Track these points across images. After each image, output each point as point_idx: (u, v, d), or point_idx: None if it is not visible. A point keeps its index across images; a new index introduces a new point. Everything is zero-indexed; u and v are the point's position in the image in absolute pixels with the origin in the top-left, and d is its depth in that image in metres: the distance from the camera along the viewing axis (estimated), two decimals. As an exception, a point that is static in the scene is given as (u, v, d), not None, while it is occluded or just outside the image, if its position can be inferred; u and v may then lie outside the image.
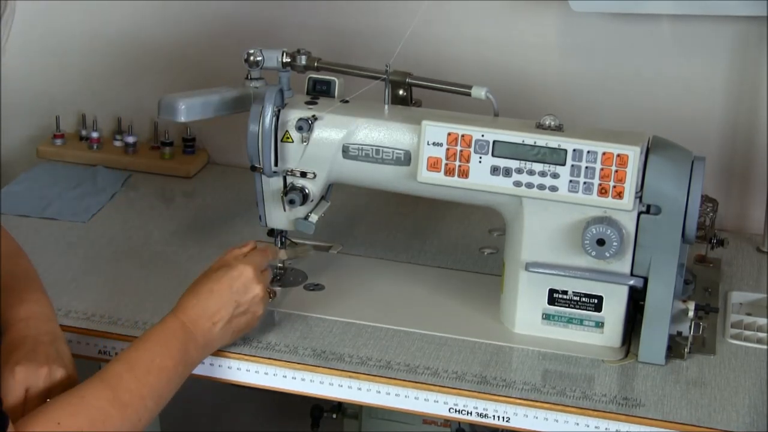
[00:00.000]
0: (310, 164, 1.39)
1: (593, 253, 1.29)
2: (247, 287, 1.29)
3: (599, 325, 1.34)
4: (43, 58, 1.92)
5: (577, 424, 1.23)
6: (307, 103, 1.40)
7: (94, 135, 1.90)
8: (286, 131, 1.38)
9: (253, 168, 1.40)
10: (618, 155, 1.26)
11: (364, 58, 1.49)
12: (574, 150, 1.27)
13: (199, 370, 1.32)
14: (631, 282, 1.31)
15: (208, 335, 1.25)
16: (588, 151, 1.27)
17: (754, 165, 1.68)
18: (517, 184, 1.30)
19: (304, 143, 1.38)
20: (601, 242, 1.28)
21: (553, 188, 1.29)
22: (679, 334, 1.34)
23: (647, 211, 1.29)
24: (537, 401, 1.24)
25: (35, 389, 1.14)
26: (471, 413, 1.26)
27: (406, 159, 1.35)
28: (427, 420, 1.81)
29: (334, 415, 1.93)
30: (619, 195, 1.27)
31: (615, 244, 1.27)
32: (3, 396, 1.10)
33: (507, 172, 1.30)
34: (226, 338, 1.28)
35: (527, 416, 1.25)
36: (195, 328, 1.23)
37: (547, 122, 1.31)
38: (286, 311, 1.42)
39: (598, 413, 1.23)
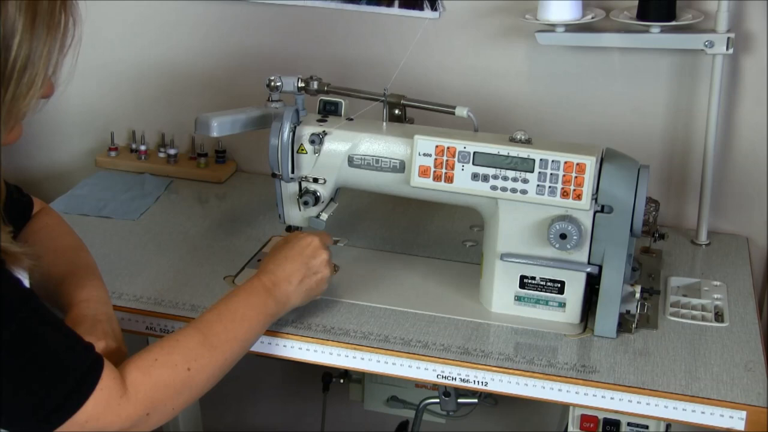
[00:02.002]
0: (321, 171, 1.39)
1: (557, 246, 1.28)
2: (315, 253, 1.28)
3: (562, 305, 1.34)
4: (99, 84, 1.92)
5: (543, 387, 1.23)
6: (319, 120, 1.39)
7: (142, 148, 1.89)
8: (301, 144, 1.38)
9: (274, 175, 1.39)
10: (577, 164, 1.25)
11: (365, 84, 1.48)
12: (540, 159, 1.26)
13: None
14: (588, 269, 1.30)
15: (285, 292, 1.24)
16: (552, 161, 1.26)
17: (689, 172, 1.67)
18: (494, 188, 1.29)
19: (316, 154, 1.37)
20: (563, 236, 1.27)
21: (524, 191, 1.28)
22: (628, 312, 1.33)
23: (602, 211, 1.28)
24: (510, 369, 1.24)
25: None
26: (455, 379, 1.26)
27: (401, 167, 1.35)
28: (419, 384, 1.81)
29: (342, 381, 1.93)
30: (579, 197, 1.26)
31: (575, 238, 1.27)
32: None
33: (485, 178, 1.29)
34: (300, 296, 1.27)
35: (502, 381, 1.24)
36: (274, 286, 1.23)
37: (518, 136, 1.30)
38: (302, 294, 1.41)
39: (561, 378, 1.22)
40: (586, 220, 1.28)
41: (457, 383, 1.26)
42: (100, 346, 1.13)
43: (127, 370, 1.04)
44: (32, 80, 0.96)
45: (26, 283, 1.05)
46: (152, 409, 1.04)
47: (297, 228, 1.46)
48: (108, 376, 1.00)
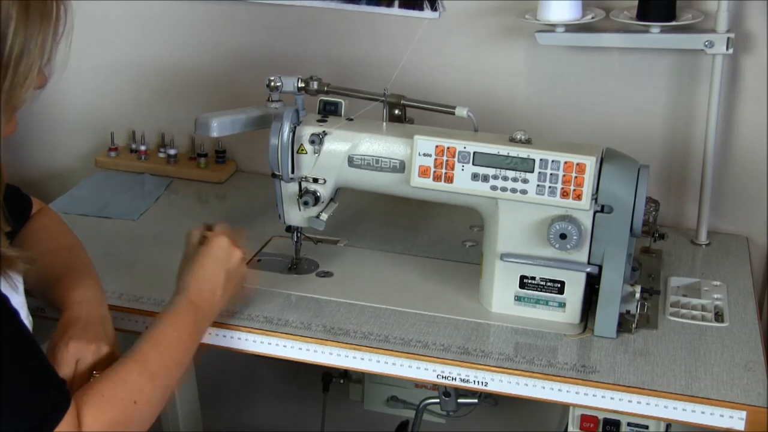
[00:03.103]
0: (321, 172, 1.39)
1: (557, 246, 1.28)
2: (228, 254, 1.27)
3: (562, 305, 1.34)
4: (100, 84, 1.92)
5: (543, 387, 1.23)
6: (319, 121, 1.39)
7: (142, 148, 1.89)
8: (301, 144, 1.37)
9: (274, 175, 1.39)
10: (577, 164, 1.25)
11: (365, 84, 1.48)
12: (540, 159, 1.26)
13: (231, 344, 1.32)
14: (588, 269, 1.30)
15: (211, 303, 1.24)
16: (552, 161, 1.26)
17: (689, 172, 1.67)
18: (494, 188, 1.29)
19: (316, 154, 1.37)
20: (563, 236, 1.27)
21: (524, 191, 1.28)
22: (628, 312, 1.33)
23: (601, 211, 1.28)
24: (510, 369, 1.23)
25: (84, 362, 1.13)
26: (455, 379, 1.25)
27: (401, 167, 1.35)
28: (419, 384, 1.81)
29: (342, 381, 1.93)
30: (578, 197, 1.26)
31: (575, 238, 1.27)
32: (57, 365, 1.10)
33: (485, 178, 1.29)
34: (226, 301, 1.27)
35: (502, 381, 1.24)
36: (200, 300, 1.22)
37: (518, 136, 1.30)
38: (301, 294, 1.41)
39: (561, 378, 1.22)
40: (586, 220, 1.28)
41: (457, 383, 1.25)
42: (90, 349, 1.14)
43: (80, 405, 1.02)
44: (29, 69, 0.95)
45: (20, 287, 1.04)
46: None
47: (297, 228, 1.46)
48: (69, 417, 0.99)
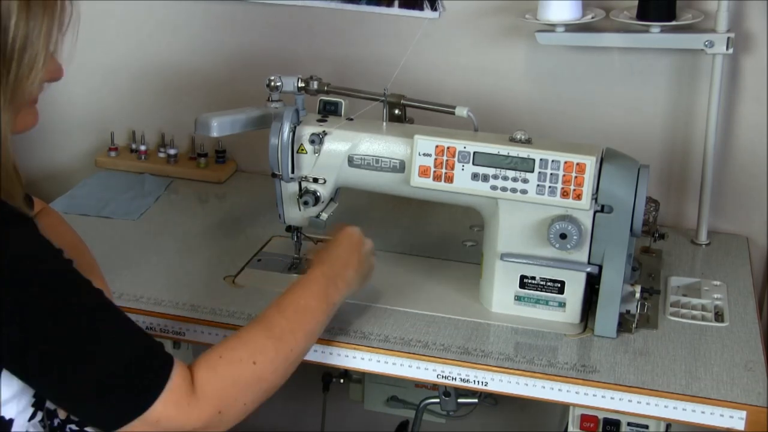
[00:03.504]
0: (321, 171, 1.39)
1: (557, 245, 1.28)
2: (362, 240, 1.30)
3: (562, 305, 1.34)
4: (100, 84, 1.92)
5: (543, 387, 1.23)
6: (319, 120, 1.39)
7: (142, 148, 1.89)
8: (301, 144, 1.37)
9: (274, 175, 1.39)
10: (577, 164, 1.25)
11: (365, 83, 1.48)
12: (540, 159, 1.26)
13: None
14: (588, 269, 1.30)
15: (345, 278, 1.24)
16: (552, 161, 1.26)
17: (689, 172, 1.67)
18: (494, 188, 1.29)
19: (316, 154, 1.37)
20: (563, 236, 1.27)
21: (524, 191, 1.28)
22: (628, 312, 1.33)
23: (601, 210, 1.28)
24: (510, 369, 1.23)
25: None
26: (455, 379, 1.25)
27: (401, 167, 1.35)
28: (419, 384, 1.81)
29: (342, 381, 1.92)
30: (578, 197, 1.26)
31: (575, 237, 1.27)
32: None
33: (485, 178, 1.29)
34: (357, 281, 1.28)
35: (502, 381, 1.24)
36: (332, 273, 1.23)
37: (518, 136, 1.30)
38: (302, 294, 1.41)
39: (561, 378, 1.22)
40: (586, 220, 1.28)
41: (457, 383, 1.25)
42: None
43: (194, 370, 1.02)
44: (33, 60, 0.95)
45: None
46: (223, 407, 1.02)
47: (297, 228, 1.46)
48: (178, 375, 0.99)
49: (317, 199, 1.39)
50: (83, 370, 0.94)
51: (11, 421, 1.00)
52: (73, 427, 1.13)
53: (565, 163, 1.25)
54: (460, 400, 1.63)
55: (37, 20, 0.95)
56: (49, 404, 1.06)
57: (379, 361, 1.27)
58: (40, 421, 1.05)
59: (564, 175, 1.26)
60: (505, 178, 1.28)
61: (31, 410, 1.03)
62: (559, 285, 1.32)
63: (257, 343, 1.08)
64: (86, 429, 1.14)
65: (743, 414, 1.17)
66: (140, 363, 0.97)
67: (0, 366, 0.96)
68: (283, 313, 1.14)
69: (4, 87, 0.94)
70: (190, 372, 1.01)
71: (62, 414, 1.10)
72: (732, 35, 1.50)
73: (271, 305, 1.15)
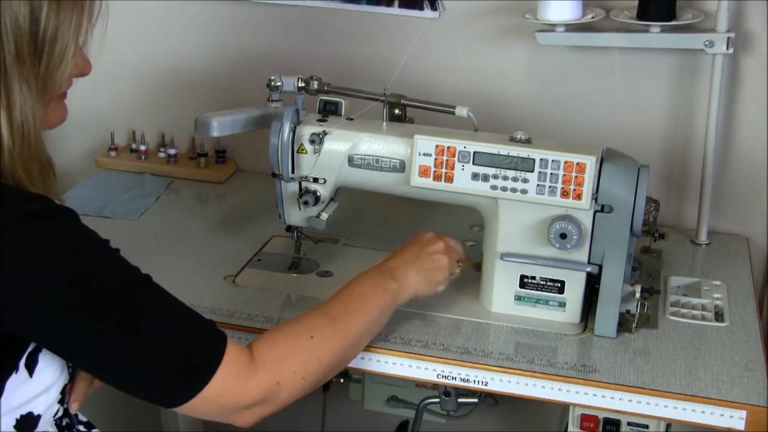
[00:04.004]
0: (321, 171, 1.39)
1: (557, 245, 1.28)
2: (431, 241, 1.31)
3: (562, 305, 1.34)
4: (100, 85, 1.91)
5: (543, 387, 1.23)
6: (319, 120, 1.39)
7: (142, 148, 1.89)
8: (301, 144, 1.37)
9: (274, 175, 1.39)
10: (577, 163, 1.25)
11: (365, 83, 1.48)
12: (540, 159, 1.26)
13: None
14: (588, 269, 1.30)
15: (404, 271, 1.25)
16: (552, 160, 1.26)
17: (689, 172, 1.67)
18: (494, 187, 1.29)
19: (316, 154, 1.37)
20: (563, 236, 1.27)
21: (524, 191, 1.28)
22: (628, 312, 1.33)
23: (602, 210, 1.28)
24: (510, 368, 1.23)
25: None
26: (455, 378, 1.25)
27: (401, 167, 1.35)
28: (419, 384, 1.81)
29: (342, 381, 1.92)
30: (579, 197, 1.26)
31: (575, 237, 1.27)
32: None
33: (485, 178, 1.29)
34: (420, 278, 1.27)
35: (502, 381, 1.24)
36: (392, 268, 1.25)
37: (518, 136, 1.30)
38: (301, 294, 1.41)
39: (561, 378, 1.22)
40: (586, 220, 1.28)
41: (458, 383, 1.25)
42: None
43: (253, 345, 1.06)
44: (63, 51, 0.97)
45: None
46: (282, 378, 1.05)
47: (297, 228, 1.46)
48: (234, 349, 1.02)
49: (317, 199, 1.39)
50: (143, 350, 0.96)
51: (39, 417, 1.01)
52: (81, 428, 1.13)
53: (565, 162, 1.25)
54: (460, 400, 1.63)
55: (68, 12, 0.97)
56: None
57: (379, 361, 1.27)
58: (55, 417, 1.06)
59: (564, 175, 1.26)
60: (505, 178, 1.28)
61: (56, 407, 1.04)
62: (559, 285, 1.32)
63: (315, 322, 1.12)
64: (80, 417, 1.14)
65: (743, 414, 1.17)
66: (196, 339, 1.00)
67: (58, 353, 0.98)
68: (338, 298, 1.18)
69: (36, 78, 0.96)
70: (248, 348, 1.04)
71: (71, 413, 1.10)
72: (732, 35, 1.50)
73: (331, 297, 1.19)
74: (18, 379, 0.97)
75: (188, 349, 0.99)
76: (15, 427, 0.99)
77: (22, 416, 0.99)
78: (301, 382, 1.07)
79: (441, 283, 1.30)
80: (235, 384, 1.01)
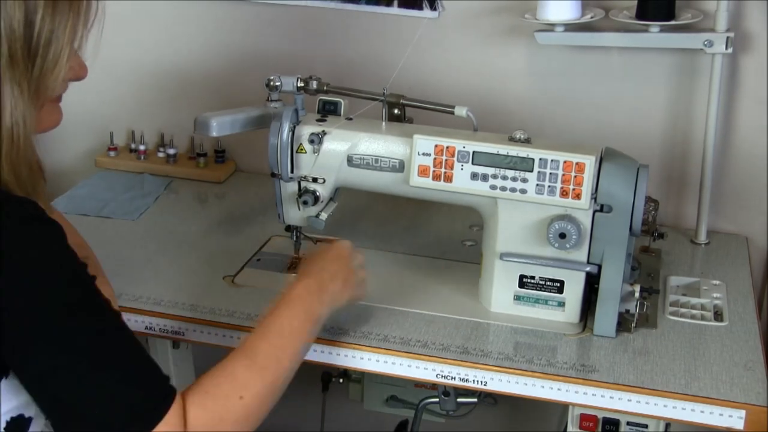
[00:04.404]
0: (320, 171, 1.39)
1: (556, 245, 1.28)
2: (353, 255, 1.27)
3: (561, 304, 1.34)
4: (99, 85, 1.91)
5: (543, 386, 1.23)
6: (318, 120, 1.39)
7: (142, 148, 1.89)
8: (300, 144, 1.37)
9: (273, 174, 1.39)
10: (576, 163, 1.25)
11: (365, 83, 1.48)
12: (540, 159, 1.26)
13: (232, 344, 1.32)
14: (588, 269, 1.30)
15: (332, 292, 1.20)
16: (552, 160, 1.26)
17: (688, 172, 1.67)
18: (493, 187, 1.29)
19: (316, 154, 1.37)
20: (562, 236, 1.27)
21: (523, 191, 1.28)
22: (627, 311, 1.33)
23: (601, 210, 1.28)
24: (510, 368, 1.23)
25: None
26: (455, 378, 1.25)
27: (400, 167, 1.35)
28: (418, 384, 1.81)
29: (341, 380, 1.93)
30: (578, 196, 1.26)
31: (574, 237, 1.27)
32: None
33: (484, 178, 1.29)
34: (346, 295, 1.24)
35: (501, 381, 1.24)
36: (319, 288, 1.18)
37: (517, 136, 1.30)
38: (301, 293, 1.41)
39: (560, 378, 1.22)
40: (586, 220, 1.28)
41: (457, 383, 1.25)
42: None
43: (185, 406, 0.99)
44: (58, 55, 0.96)
45: None
46: None
47: (296, 227, 1.46)
48: (174, 412, 0.96)
49: (316, 199, 1.39)
50: (85, 390, 0.93)
51: (30, 419, 1.00)
52: None
53: (565, 162, 1.25)
54: (459, 400, 1.63)
55: (63, 16, 0.96)
56: None
57: (378, 361, 1.27)
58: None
59: (563, 175, 1.26)
60: (505, 178, 1.28)
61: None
62: (558, 284, 1.32)
63: (242, 377, 1.04)
64: None
65: (742, 413, 1.17)
66: (143, 393, 0.96)
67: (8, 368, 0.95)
68: (267, 339, 1.10)
69: (29, 81, 0.95)
70: (183, 407, 0.99)
71: None
72: (731, 35, 1.50)
73: (255, 330, 1.10)
74: (8, 384, 0.96)
75: (134, 400, 0.94)
76: (5, 429, 0.98)
77: (12, 419, 0.98)
78: None
79: (362, 297, 1.29)
80: None
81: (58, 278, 0.92)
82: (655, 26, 1.51)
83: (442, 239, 1.60)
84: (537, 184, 1.27)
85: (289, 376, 1.10)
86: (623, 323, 1.32)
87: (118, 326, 0.97)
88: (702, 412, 1.18)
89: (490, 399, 1.77)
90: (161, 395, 0.96)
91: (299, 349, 1.13)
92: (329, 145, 1.37)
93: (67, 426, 0.95)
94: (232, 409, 1.02)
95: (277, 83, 1.43)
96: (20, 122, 0.95)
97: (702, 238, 1.62)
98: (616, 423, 1.27)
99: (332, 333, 1.30)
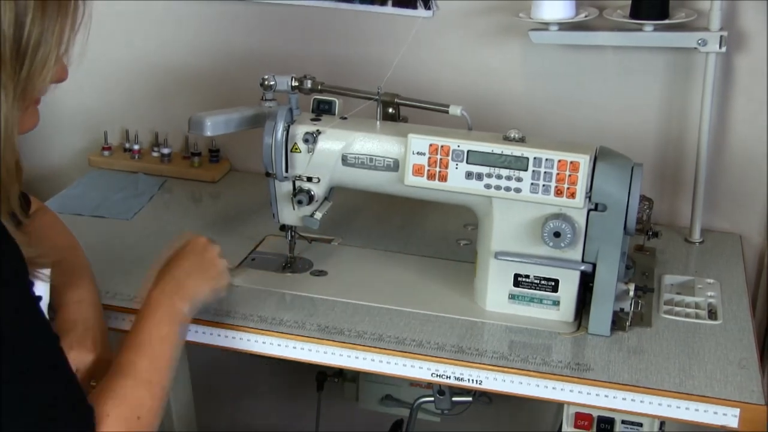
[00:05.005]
0: (315, 170, 1.39)
1: (551, 244, 1.28)
2: (206, 247, 1.27)
3: (556, 303, 1.34)
4: (93, 83, 1.91)
5: (538, 385, 1.23)
6: (312, 119, 1.39)
7: (136, 147, 1.89)
8: (295, 143, 1.37)
9: (268, 174, 1.39)
10: (571, 162, 1.25)
11: (359, 82, 1.48)
12: (534, 158, 1.26)
13: (226, 343, 1.32)
14: (582, 267, 1.30)
15: (191, 288, 1.21)
16: (546, 159, 1.26)
17: (683, 170, 1.67)
18: (488, 186, 1.29)
19: (310, 153, 1.37)
20: (557, 234, 1.27)
21: (518, 190, 1.28)
22: (622, 310, 1.33)
23: (595, 209, 1.28)
24: (504, 367, 1.24)
25: (83, 371, 1.13)
26: (450, 377, 1.26)
27: (395, 166, 1.35)
28: (413, 383, 1.81)
29: (336, 380, 1.92)
30: (572, 195, 1.26)
31: (569, 236, 1.27)
32: None
33: (479, 177, 1.29)
34: (206, 288, 1.24)
35: (496, 379, 1.24)
36: (178, 287, 1.19)
37: (512, 135, 1.30)
38: (296, 293, 1.41)
39: (555, 376, 1.22)
40: (580, 219, 1.28)
41: (452, 382, 1.26)
42: (89, 358, 1.14)
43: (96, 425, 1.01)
44: (46, 57, 0.96)
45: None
46: None
47: (291, 227, 1.46)
48: None
49: (311, 198, 1.39)
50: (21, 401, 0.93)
51: None
52: None
53: (559, 161, 1.25)
54: (454, 399, 1.63)
55: (52, 18, 0.96)
56: None
57: (373, 360, 1.27)
58: None
59: (558, 174, 1.26)
60: (499, 177, 1.28)
61: None
62: (553, 283, 1.33)
63: (133, 397, 1.06)
64: None
65: (737, 411, 1.18)
66: (61, 412, 0.96)
67: None
68: (142, 353, 1.11)
69: (15, 83, 0.95)
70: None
71: None
72: (725, 34, 1.50)
73: (127, 348, 1.11)
74: None
75: (51, 417, 0.95)
76: None
77: None
78: None
79: (224, 289, 1.28)
80: None
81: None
82: (649, 25, 1.51)
83: (436, 238, 1.60)
84: (531, 183, 1.27)
85: (171, 379, 1.12)
86: (618, 322, 1.32)
87: (32, 351, 0.95)
88: (696, 410, 1.19)
89: (485, 398, 1.77)
90: (75, 419, 0.97)
91: (175, 354, 1.14)
92: (324, 144, 1.36)
93: None
94: (132, 428, 1.04)
95: (272, 82, 1.43)
96: (2, 124, 0.95)
97: (696, 236, 1.62)
98: (610, 422, 1.27)
99: (327, 332, 1.30)
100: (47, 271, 1.07)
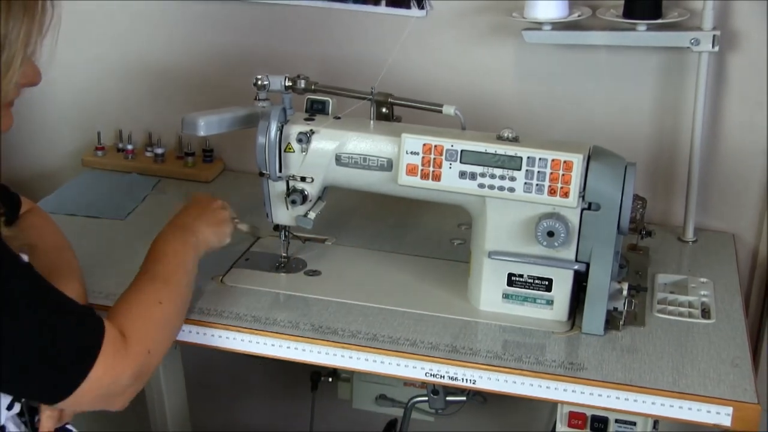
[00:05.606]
0: (308, 170, 1.38)
1: (544, 243, 1.28)
2: (209, 201, 1.41)
3: (549, 302, 1.34)
4: (86, 83, 1.91)
5: (532, 385, 1.23)
6: (306, 119, 1.39)
7: (129, 147, 1.88)
8: (289, 143, 1.37)
9: (261, 174, 1.39)
10: (564, 161, 1.25)
11: (353, 82, 1.48)
12: (528, 157, 1.27)
13: (220, 343, 1.31)
14: (576, 267, 1.30)
15: (194, 226, 1.33)
16: (540, 159, 1.26)
17: (676, 169, 1.68)
18: (481, 186, 1.29)
19: (304, 153, 1.37)
20: (551, 234, 1.27)
21: (511, 189, 1.28)
22: (615, 309, 1.33)
23: (589, 208, 1.28)
24: (498, 366, 1.24)
25: None
26: (444, 377, 1.26)
27: (388, 165, 1.35)
28: (407, 383, 1.81)
29: (330, 379, 1.93)
30: (566, 194, 1.26)
31: (562, 235, 1.27)
32: None
33: (473, 176, 1.29)
34: (209, 230, 1.35)
35: (490, 379, 1.24)
36: (181, 223, 1.33)
37: (505, 134, 1.30)
38: (289, 293, 1.41)
39: (549, 376, 1.22)
40: (574, 218, 1.28)
41: (446, 381, 1.26)
42: None
43: (114, 320, 1.09)
44: (10, 60, 0.95)
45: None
46: (151, 346, 1.11)
47: (285, 227, 1.46)
48: (109, 331, 1.05)
49: (305, 198, 1.39)
50: (25, 348, 0.97)
51: (3, 428, 1.01)
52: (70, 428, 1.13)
53: (553, 161, 1.26)
54: (448, 398, 1.63)
55: (17, 21, 0.95)
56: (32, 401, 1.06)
57: (367, 360, 1.27)
58: (18, 414, 1.05)
59: (551, 173, 1.26)
60: (493, 176, 1.28)
61: (9, 398, 1.04)
62: (546, 283, 1.33)
63: (155, 288, 1.18)
64: (68, 427, 1.14)
65: (730, 410, 1.18)
66: (78, 330, 1.02)
67: None
68: (158, 260, 1.24)
69: None
70: (113, 324, 1.08)
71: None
72: (718, 33, 1.50)
73: (144, 262, 1.24)
74: None
75: (72, 339, 1.01)
76: None
77: None
78: (164, 347, 1.16)
79: (228, 235, 1.39)
80: (114, 361, 1.04)
81: None
82: (642, 25, 1.51)
83: (430, 238, 1.60)
84: (525, 183, 1.27)
85: (188, 292, 1.26)
86: (611, 321, 1.33)
87: (30, 295, 1.01)
88: (690, 409, 1.19)
89: (479, 397, 1.77)
90: (92, 326, 1.04)
91: (188, 267, 1.27)
92: (317, 144, 1.36)
93: (25, 393, 1.01)
94: (156, 312, 1.16)
95: (265, 82, 1.42)
96: None
97: (689, 235, 1.62)
98: (604, 421, 1.27)
99: (321, 332, 1.30)
100: None
